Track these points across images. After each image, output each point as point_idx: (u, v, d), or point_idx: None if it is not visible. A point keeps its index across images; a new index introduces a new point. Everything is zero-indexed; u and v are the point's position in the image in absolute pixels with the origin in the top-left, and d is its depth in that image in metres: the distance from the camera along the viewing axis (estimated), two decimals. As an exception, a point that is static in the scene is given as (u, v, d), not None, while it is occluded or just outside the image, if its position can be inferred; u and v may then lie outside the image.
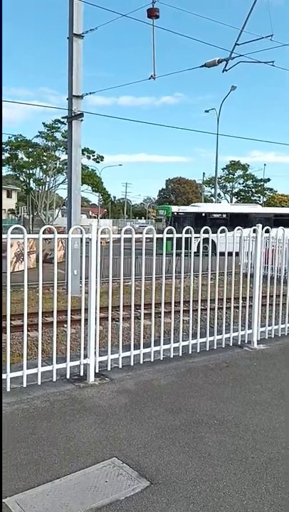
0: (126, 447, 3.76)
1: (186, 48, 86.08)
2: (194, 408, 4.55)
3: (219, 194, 60.08)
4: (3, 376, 4.66)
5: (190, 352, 6.15)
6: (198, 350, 6.22)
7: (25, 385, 4.79)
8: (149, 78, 13.91)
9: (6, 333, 4.80)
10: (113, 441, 3.84)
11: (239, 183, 68.50)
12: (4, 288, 4.73)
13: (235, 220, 25.95)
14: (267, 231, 6.86)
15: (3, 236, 4.75)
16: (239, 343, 6.71)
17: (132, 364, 5.59)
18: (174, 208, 31.99)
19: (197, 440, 3.92)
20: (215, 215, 30.43)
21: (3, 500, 3.03)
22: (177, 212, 30.58)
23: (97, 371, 5.27)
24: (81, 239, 5.28)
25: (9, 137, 47.35)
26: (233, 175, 67.10)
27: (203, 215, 29.83)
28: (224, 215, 29.86)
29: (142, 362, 5.68)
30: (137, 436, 3.94)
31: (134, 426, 4.13)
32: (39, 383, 4.88)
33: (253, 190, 68.17)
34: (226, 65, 13.69)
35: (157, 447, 3.78)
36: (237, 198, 69.21)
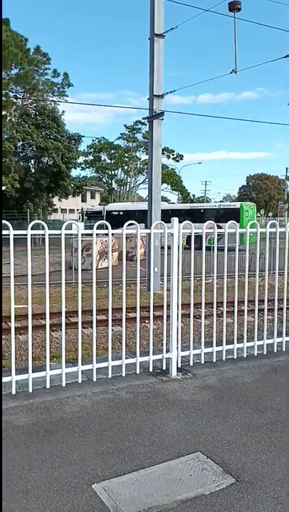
0: (210, 443, 3.73)
1: (269, 39, 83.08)
2: (280, 408, 4.40)
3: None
4: (90, 366, 4.85)
5: (275, 350, 5.95)
6: (283, 349, 6.00)
7: (110, 375, 4.93)
8: (231, 72, 13.71)
9: (92, 327, 4.99)
10: (197, 436, 3.83)
11: None
12: (90, 284, 4.91)
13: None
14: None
15: (89, 232, 4.89)
16: None
17: (214, 360, 5.53)
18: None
19: (284, 440, 3.78)
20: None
21: (92, 486, 3.15)
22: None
23: (179, 366, 5.28)
24: (162, 234, 5.32)
25: (92, 140, 49.30)
26: None
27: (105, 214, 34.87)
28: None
29: (224, 359, 5.60)
30: (221, 433, 3.89)
31: (218, 422, 4.09)
32: (123, 375, 5.00)
33: None
34: (312, 53, 13.06)
35: (242, 445, 3.71)
36: None
